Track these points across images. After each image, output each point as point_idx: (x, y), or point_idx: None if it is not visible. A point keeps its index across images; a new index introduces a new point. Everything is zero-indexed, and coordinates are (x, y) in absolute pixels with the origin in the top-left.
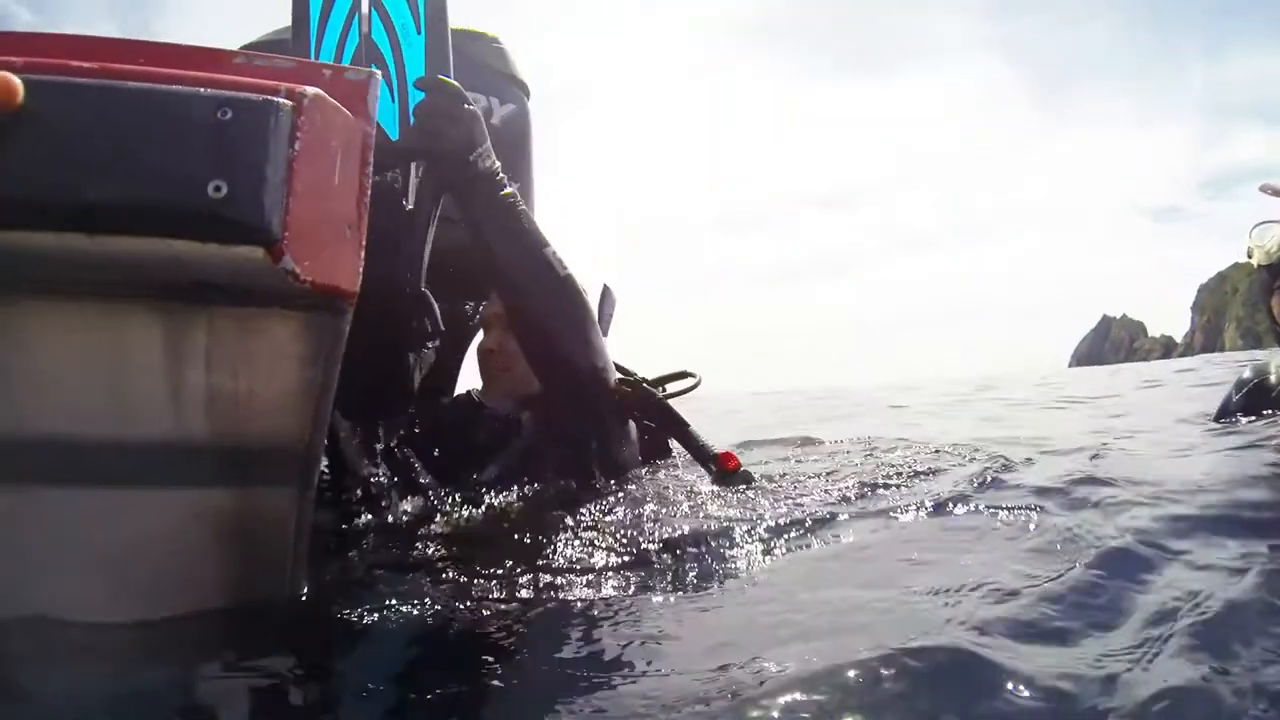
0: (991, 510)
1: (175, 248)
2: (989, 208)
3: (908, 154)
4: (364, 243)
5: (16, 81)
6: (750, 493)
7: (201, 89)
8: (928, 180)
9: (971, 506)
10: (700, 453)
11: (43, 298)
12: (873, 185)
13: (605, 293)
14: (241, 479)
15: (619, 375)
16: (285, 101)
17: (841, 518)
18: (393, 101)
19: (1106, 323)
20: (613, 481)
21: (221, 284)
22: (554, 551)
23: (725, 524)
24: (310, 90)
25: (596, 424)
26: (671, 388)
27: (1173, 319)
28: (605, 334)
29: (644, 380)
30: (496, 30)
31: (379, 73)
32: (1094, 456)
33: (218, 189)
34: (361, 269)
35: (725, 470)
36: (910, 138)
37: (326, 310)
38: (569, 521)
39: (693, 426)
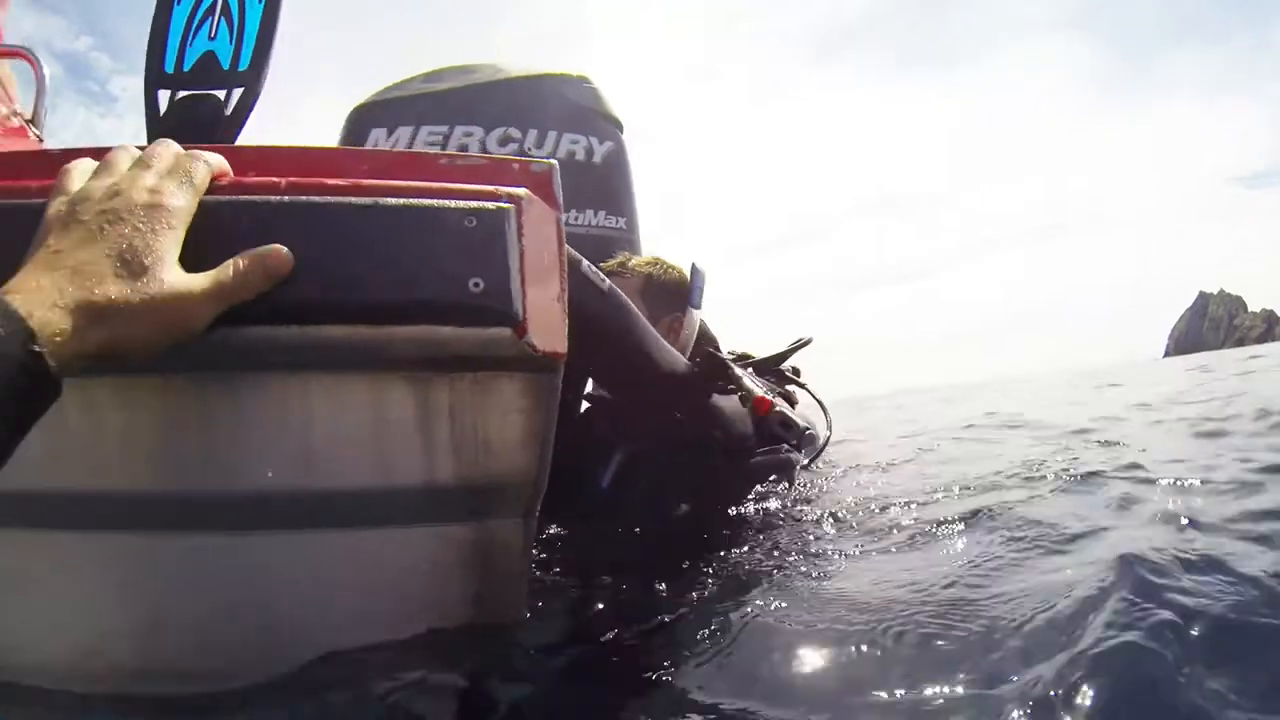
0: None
1: (441, 333)
2: (1074, 193)
3: (983, 148)
4: (567, 310)
5: (285, 254)
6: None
7: (451, 201)
8: (1007, 173)
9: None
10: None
11: (323, 373)
12: (950, 183)
13: (694, 270)
14: (480, 513)
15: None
16: (509, 205)
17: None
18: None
19: (1204, 300)
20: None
21: (471, 357)
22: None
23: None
24: (523, 192)
25: (678, 418)
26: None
27: (1274, 290)
28: (698, 306)
29: (736, 356)
30: (584, 70)
31: (556, 162)
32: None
33: (476, 285)
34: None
35: (759, 415)
36: (984, 130)
37: (548, 370)
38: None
39: (747, 379)
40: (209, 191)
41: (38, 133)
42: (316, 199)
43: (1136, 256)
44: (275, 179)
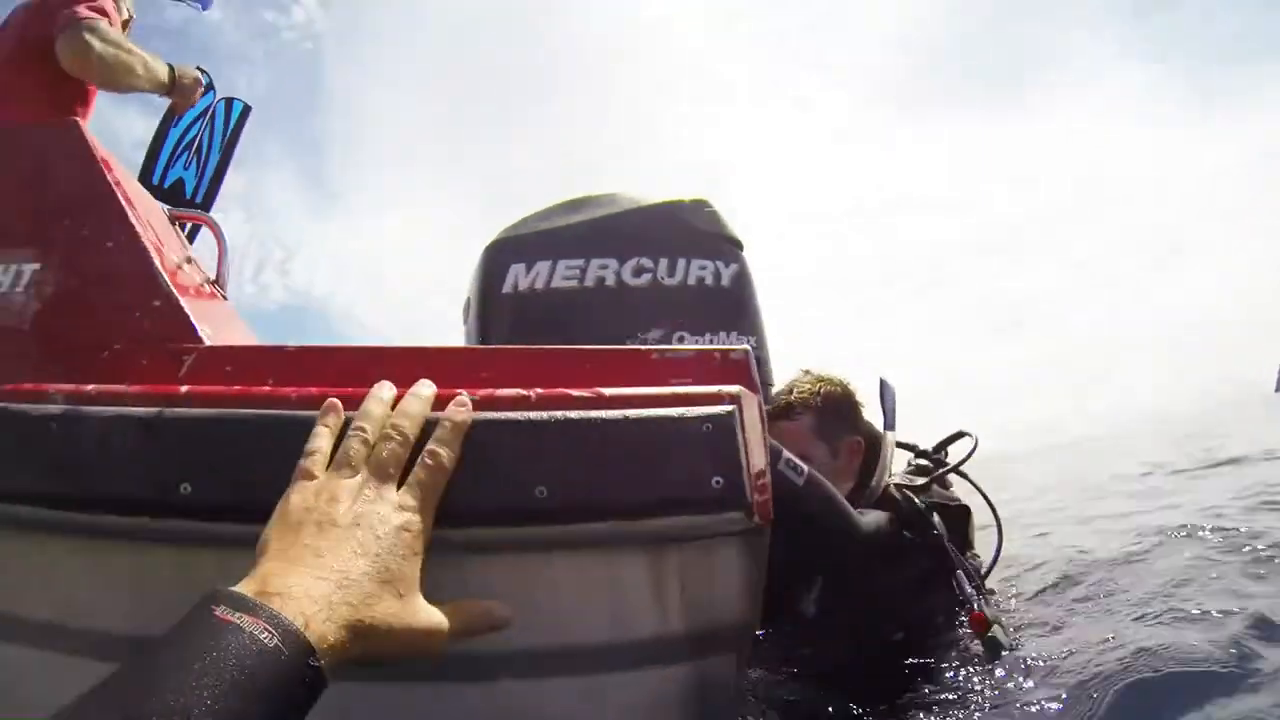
0: None
1: (684, 521)
2: (1164, 224)
3: (1068, 185)
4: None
5: (507, 614)
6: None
7: (689, 410)
8: (1093, 209)
9: None
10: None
11: (570, 552)
12: (1039, 222)
13: (883, 386)
14: (700, 654)
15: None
16: (732, 407)
17: None
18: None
19: None
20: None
21: (705, 534)
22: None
23: None
24: (740, 390)
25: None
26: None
27: None
28: (892, 427)
29: (919, 474)
30: (702, 193)
31: (750, 348)
32: None
33: (717, 482)
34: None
35: (975, 630)
36: (1066, 165)
37: (762, 532)
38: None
39: (966, 556)
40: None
41: (223, 293)
42: (573, 414)
43: (1239, 285)
44: (525, 392)
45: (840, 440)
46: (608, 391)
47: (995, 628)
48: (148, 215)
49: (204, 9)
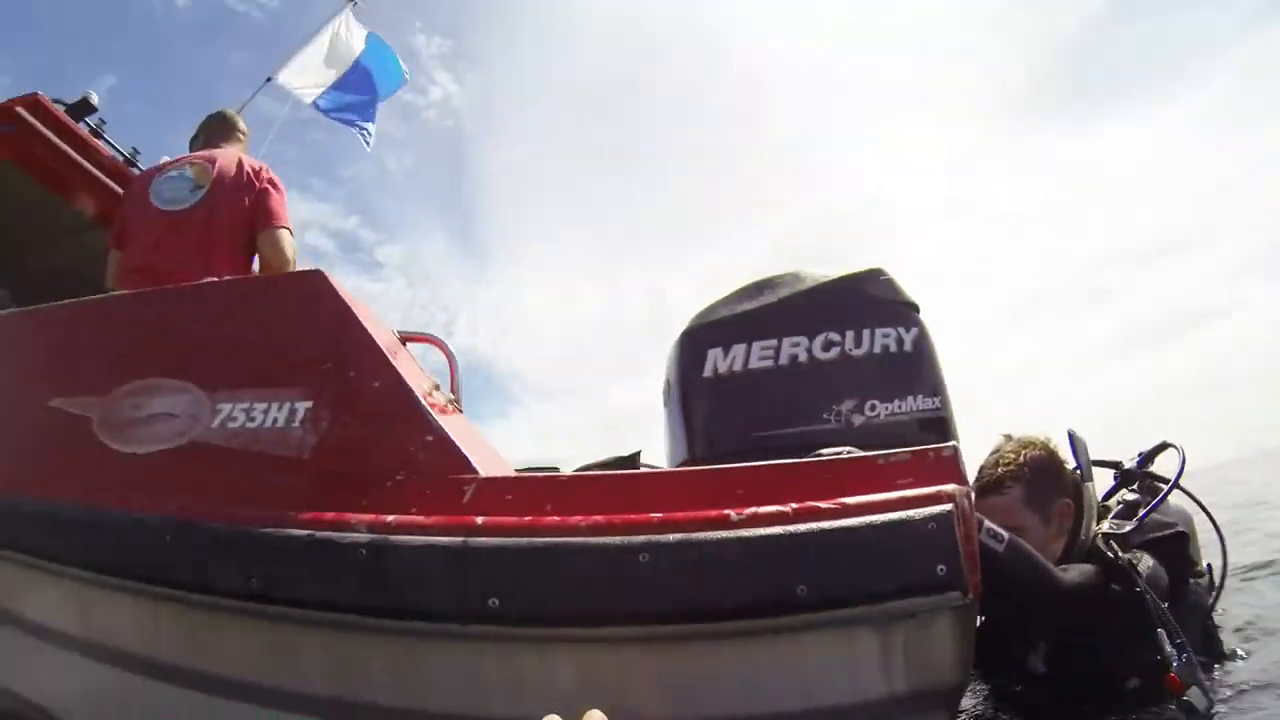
0: None
1: (911, 603)
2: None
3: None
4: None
5: None
6: None
7: (918, 511)
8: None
9: None
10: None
11: (818, 632)
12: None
13: (1073, 440)
14: (921, 711)
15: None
16: (951, 506)
17: None
18: None
19: None
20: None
21: (927, 611)
22: None
23: None
24: (955, 488)
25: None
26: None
27: None
28: (1090, 478)
29: (1128, 514)
30: (877, 262)
31: (957, 444)
32: None
33: (941, 570)
34: None
35: (1171, 692)
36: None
37: (973, 605)
38: None
39: (1190, 580)
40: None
41: (459, 406)
42: (825, 524)
43: None
44: (784, 509)
45: (1051, 507)
46: (850, 501)
47: (1193, 690)
48: (392, 349)
49: (368, 147)
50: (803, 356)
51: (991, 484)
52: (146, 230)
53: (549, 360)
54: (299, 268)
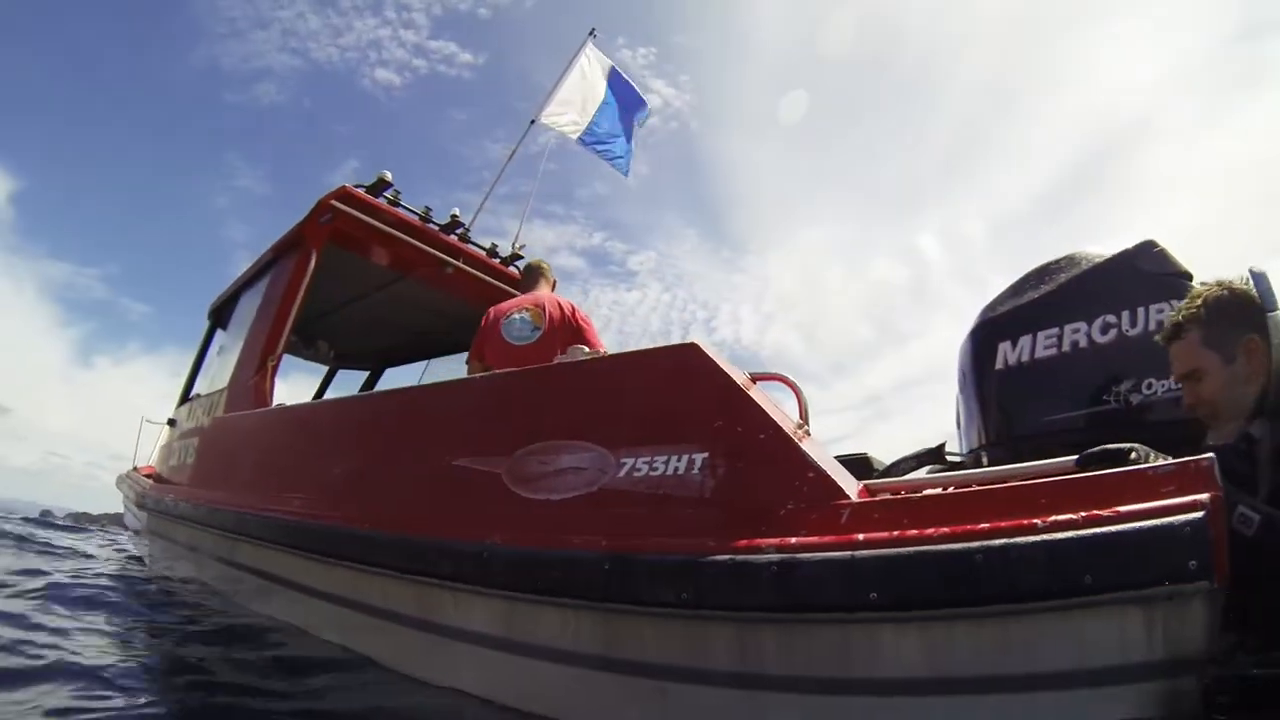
0: None
1: (1170, 589)
2: None
3: None
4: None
5: None
6: None
7: (1176, 518)
8: None
9: None
10: None
11: (1097, 610)
12: None
13: (1254, 276)
14: (1174, 674)
15: None
16: (1203, 513)
17: None
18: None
19: None
20: None
21: (1181, 595)
22: None
23: None
24: (1208, 496)
25: None
26: None
27: None
28: (1274, 308)
29: None
30: (1149, 235)
31: (1215, 455)
32: None
33: (1193, 564)
34: None
35: None
36: None
37: (1220, 589)
38: None
39: None
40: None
41: (809, 430)
42: (1106, 529)
43: None
44: (1075, 516)
45: (1234, 345)
46: (1124, 509)
47: None
48: (764, 403)
49: (625, 175)
50: (1083, 342)
51: (1170, 331)
52: (503, 360)
53: (814, 345)
54: None
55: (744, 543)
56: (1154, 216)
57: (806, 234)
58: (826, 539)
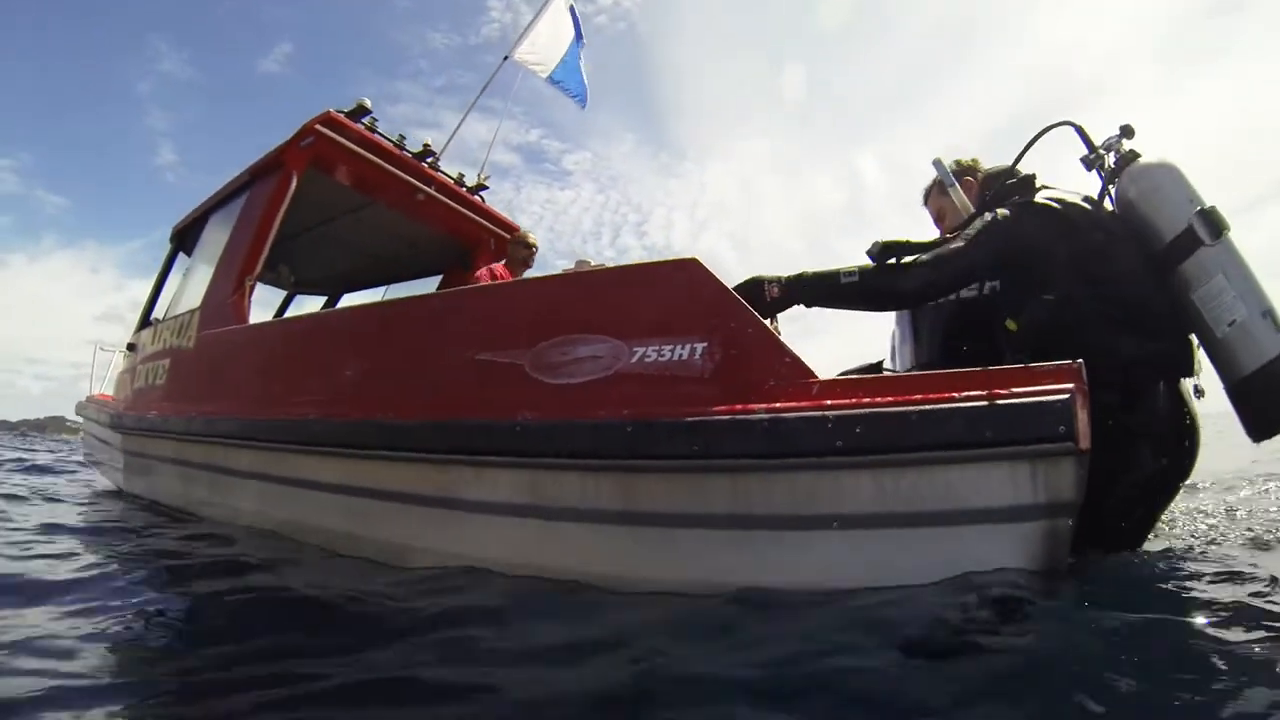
0: None
1: (1047, 448)
2: None
3: None
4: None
5: None
6: None
7: (1051, 397)
8: None
9: None
10: None
11: (994, 463)
12: None
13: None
14: (1052, 515)
15: None
16: (1069, 394)
17: None
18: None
19: None
20: None
21: (1056, 454)
22: None
23: None
24: (1075, 386)
25: None
26: None
27: None
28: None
29: None
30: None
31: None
32: None
33: (1062, 429)
34: None
35: None
36: None
37: (1086, 453)
38: None
39: None
40: None
41: (778, 328)
42: (1003, 403)
43: None
44: (983, 392)
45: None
46: (1018, 389)
47: None
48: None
49: (582, 106)
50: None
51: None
52: None
53: (746, 254)
54: None
55: (740, 407)
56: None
57: (747, 146)
58: (804, 404)
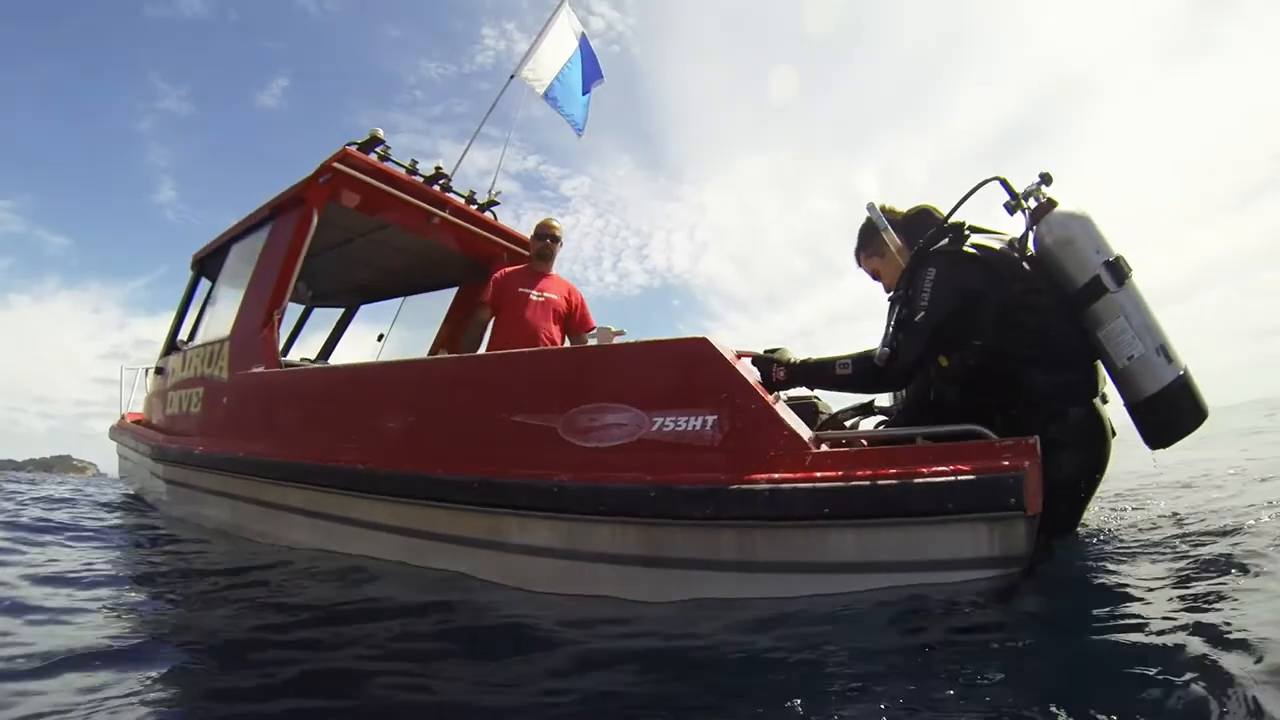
0: None
1: (1000, 514)
2: None
3: None
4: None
5: None
6: None
7: (1007, 474)
8: None
9: None
10: None
11: (958, 525)
12: None
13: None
14: (1006, 566)
15: None
16: (1023, 472)
17: None
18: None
19: None
20: None
21: (1008, 519)
22: None
23: None
24: (1029, 463)
25: None
26: None
27: None
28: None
29: None
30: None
31: (1039, 440)
32: None
33: (1013, 501)
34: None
35: None
36: None
37: (1035, 518)
38: None
39: None
40: None
41: (780, 398)
42: (965, 478)
43: None
44: (952, 467)
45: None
46: (976, 465)
47: None
48: (754, 379)
49: (578, 134)
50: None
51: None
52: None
53: (748, 274)
54: None
55: (746, 477)
56: (1095, 170)
57: (745, 165)
58: (798, 475)
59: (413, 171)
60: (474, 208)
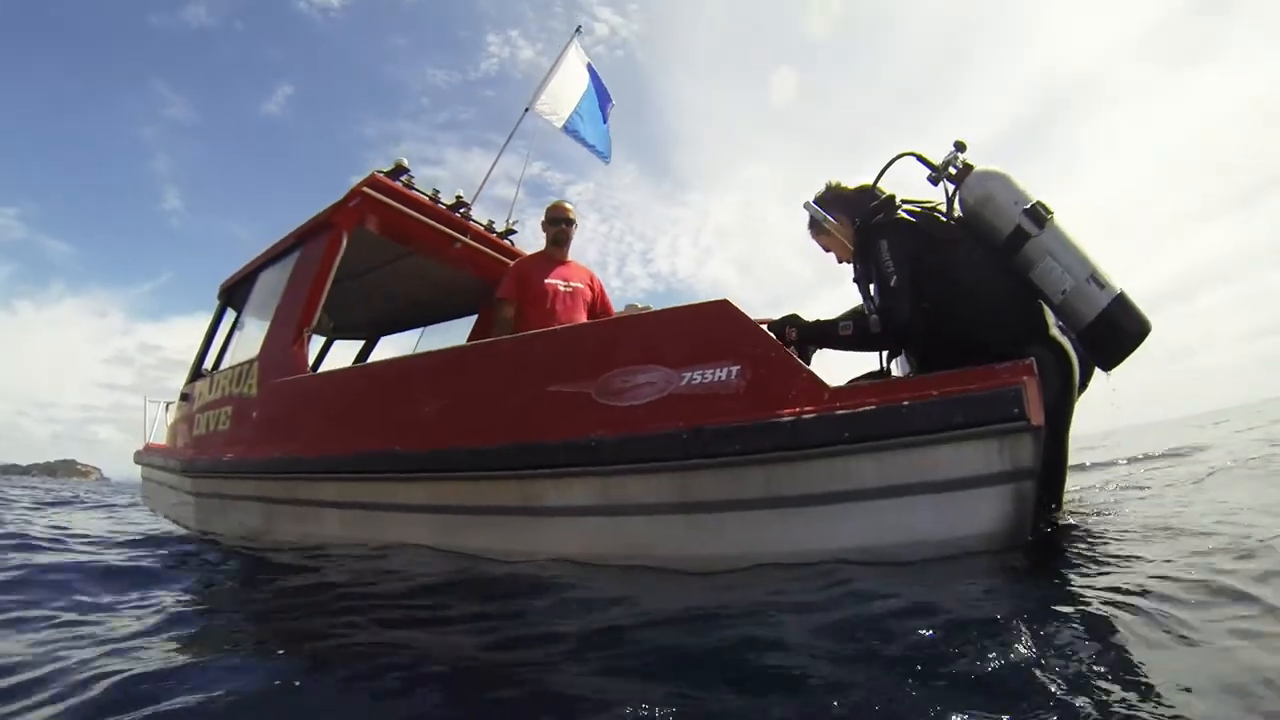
0: None
1: (1008, 426)
2: None
3: None
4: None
5: None
6: None
7: (1007, 388)
8: None
9: None
10: None
11: (963, 443)
12: None
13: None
14: (1016, 480)
15: None
16: (1022, 386)
17: None
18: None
19: None
20: None
21: (1015, 430)
22: None
23: None
24: (1028, 378)
25: None
26: None
27: None
28: None
29: None
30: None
31: (1035, 359)
32: None
33: (1016, 411)
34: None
35: None
36: None
37: (1040, 429)
38: None
39: None
40: None
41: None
42: (975, 394)
43: None
44: (967, 387)
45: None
46: (986, 383)
47: None
48: (769, 332)
49: (605, 161)
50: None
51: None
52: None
53: (751, 280)
54: None
55: (770, 413)
56: (1098, 174)
57: (750, 171)
58: (819, 408)
59: (435, 199)
60: (494, 235)
